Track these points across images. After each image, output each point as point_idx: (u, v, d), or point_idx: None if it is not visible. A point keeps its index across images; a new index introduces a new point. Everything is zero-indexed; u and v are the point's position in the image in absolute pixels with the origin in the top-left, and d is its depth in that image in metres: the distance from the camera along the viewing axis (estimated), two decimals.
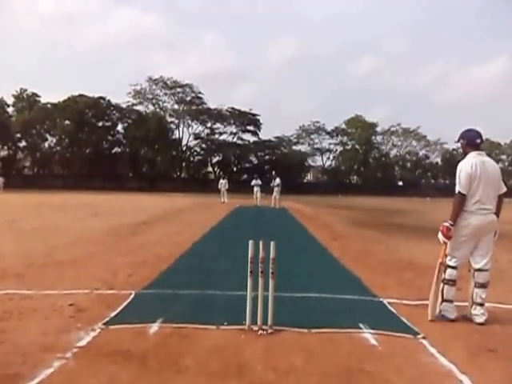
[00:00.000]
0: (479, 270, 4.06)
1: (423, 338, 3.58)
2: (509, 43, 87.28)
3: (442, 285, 4.10)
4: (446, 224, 4.05)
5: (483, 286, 4.05)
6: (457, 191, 4.05)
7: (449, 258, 4.10)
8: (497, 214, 4.11)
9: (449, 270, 4.08)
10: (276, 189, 22.32)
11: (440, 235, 4.10)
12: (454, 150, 56.63)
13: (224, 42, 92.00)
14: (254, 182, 23.93)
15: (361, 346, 3.39)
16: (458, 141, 4.28)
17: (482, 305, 4.05)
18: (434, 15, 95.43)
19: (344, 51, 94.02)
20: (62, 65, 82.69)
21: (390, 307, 4.44)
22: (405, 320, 4.01)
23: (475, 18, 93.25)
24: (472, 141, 4.18)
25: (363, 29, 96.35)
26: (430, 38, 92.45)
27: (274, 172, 26.30)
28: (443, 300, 4.10)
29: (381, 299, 4.72)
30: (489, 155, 4.23)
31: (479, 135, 4.20)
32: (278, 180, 22.57)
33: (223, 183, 25.65)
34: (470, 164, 4.03)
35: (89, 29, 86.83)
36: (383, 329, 3.70)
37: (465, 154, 4.21)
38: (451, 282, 4.09)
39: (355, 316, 4.07)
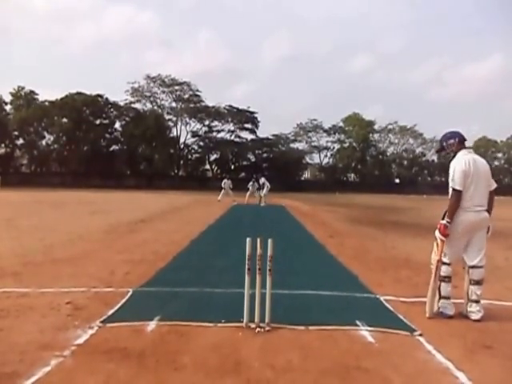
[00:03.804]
0: (474, 266, 4.09)
1: (420, 335, 3.59)
2: (503, 41, 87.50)
3: (439, 282, 4.12)
4: (444, 222, 4.08)
5: (478, 282, 4.08)
6: (452, 189, 4.08)
7: (442, 254, 4.12)
8: (488, 210, 4.15)
9: (443, 267, 4.12)
10: (265, 188, 23.46)
11: (437, 233, 4.13)
12: None
13: (220, 40, 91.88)
14: (250, 184, 25.15)
15: (358, 343, 3.41)
16: (450, 139, 4.29)
17: (477, 302, 4.07)
18: (429, 14, 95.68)
19: (340, 49, 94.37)
20: (59, 62, 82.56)
21: (386, 304, 4.46)
22: (401, 317, 4.03)
23: (469, 16, 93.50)
24: (462, 139, 4.25)
25: (359, 27, 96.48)
26: (425, 37, 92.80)
27: (255, 175, 27.81)
28: (441, 297, 4.13)
29: (378, 296, 4.74)
30: (485, 153, 4.26)
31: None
32: (262, 179, 23.98)
33: (227, 183, 26.01)
34: (464, 161, 4.08)
35: (85, 26, 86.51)
36: (380, 326, 3.72)
37: (454, 153, 4.24)
38: (447, 279, 4.13)
39: (352, 313, 4.08)
